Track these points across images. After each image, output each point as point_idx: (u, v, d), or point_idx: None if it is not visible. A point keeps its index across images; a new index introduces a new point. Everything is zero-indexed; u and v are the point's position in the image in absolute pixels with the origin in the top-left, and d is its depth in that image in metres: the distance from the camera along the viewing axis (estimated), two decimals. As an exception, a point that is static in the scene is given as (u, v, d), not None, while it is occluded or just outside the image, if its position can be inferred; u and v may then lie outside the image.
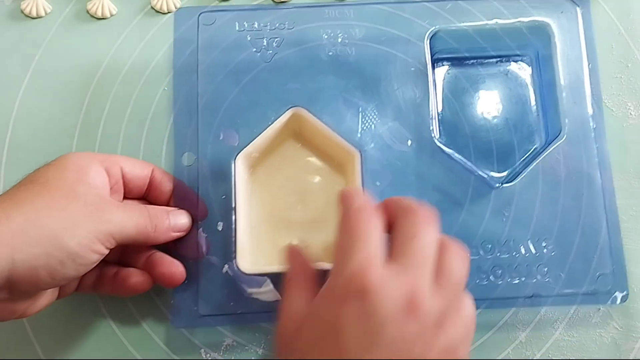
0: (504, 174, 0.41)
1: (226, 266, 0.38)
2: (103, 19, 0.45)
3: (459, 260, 0.31)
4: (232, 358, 0.39)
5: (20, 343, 0.39)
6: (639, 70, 0.43)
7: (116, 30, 0.44)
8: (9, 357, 0.39)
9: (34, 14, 0.45)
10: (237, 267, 0.38)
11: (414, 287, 0.29)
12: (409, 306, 0.28)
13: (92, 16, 0.45)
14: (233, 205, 0.38)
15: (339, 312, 0.28)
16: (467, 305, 0.30)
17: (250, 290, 0.38)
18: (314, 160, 0.41)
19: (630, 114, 0.42)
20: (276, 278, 0.37)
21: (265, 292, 0.38)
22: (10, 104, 0.43)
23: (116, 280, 0.37)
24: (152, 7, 0.45)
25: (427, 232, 0.30)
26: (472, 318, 0.30)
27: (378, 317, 0.28)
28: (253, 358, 0.39)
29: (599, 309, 0.39)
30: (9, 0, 0.45)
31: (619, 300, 0.38)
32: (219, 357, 0.39)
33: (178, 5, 0.45)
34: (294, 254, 0.35)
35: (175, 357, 0.39)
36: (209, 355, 0.39)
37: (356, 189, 0.34)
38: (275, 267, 0.37)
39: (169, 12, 0.45)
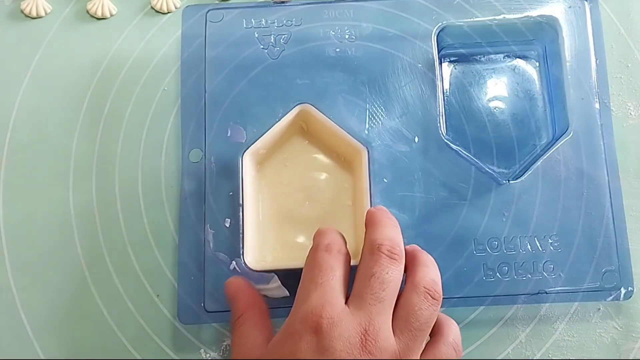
0: (511, 170, 0.41)
1: (233, 263, 0.38)
2: (103, 19, 0.45)
3: (424, 302, 0.31)
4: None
5: (20, 343, 0.39)
6: (639, 70, 0.43)
7: (116, 30, 0.44)
8: (9, 357, 0.39)
9: (34, 14, 0.45)
10: (245, 264, 0.38)
11: (369, 325, 0.30)
12: (362, 342, 0.29)
13: (92, 16, 0.45)
14: (240, 202, 0.38)
15: (295, 348, 0.29)
16: (440, 347, 0.31)
17: (257, 286, 0.38)
18: (321, 156, 0.41)
19: (630, 114, 0.42)
20: (283, 275, 0.38)
21: (273, 288, 0.38)
22: (10, 104, 0.43)
23: None
24: (152, 7, 0.45)
25: (385, 270, 0.31)
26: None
27: (332, 352, 0.29)
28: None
29: (599, 308, 0.39)
30: (9, 0, 0.45)
31: (622, 297, 0.38)
32: (219, 357, 0.39)
33: (178, 5, 0.45)
34: (241, 288, 0.36)
35: (175, 357, 0.39)
36: (208, 355, 0.39)
37: (330, 229, 0.34)
38: (282, 264, 0.38)
39: (169, 12, 0.45)
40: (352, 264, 0.33)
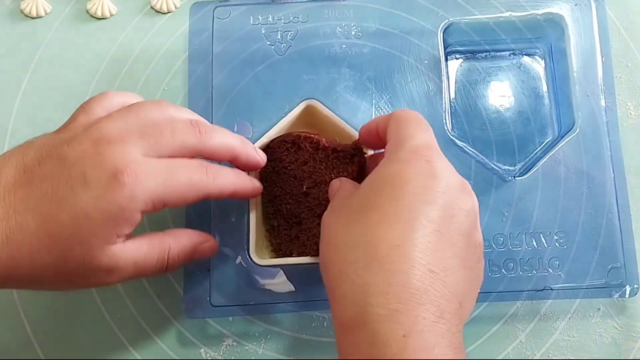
0: (517, 166, 0.41)
1: (239, 257, 0.38)
2: (103, 18, 0.45)
3: None
4: (232, 358, 0.39)
5: (20, 343, 0.39)
6: (639, 70, 0.43)
7: (116, 30, 0.44)
8: (9, 357, 0.39)
9: (33, 14, 0.45)
10: (251, 259, 0.38)
11: (461, 178, 0.31)
12: (462, 189, 0.30)
13: (92, 16, 0.45)
14: (247, 202, 0.38)
15: (405, 169, 0.30)
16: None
17: (263, 281, 0.38)
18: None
19: (630, 113, 0.42)
20: (289, 269, 0.38)
21: (279, 283, 0.38)
22: (10, 104, 0.43)
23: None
24: (151, 7, 0.45)
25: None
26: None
27: (441, 180, 0.30)
28: (253, 358, 0.39)
29: (599, 308, 0.39)
30: (9, 0, 0.45)
31: (627, 294, 0.39)
32: (219, 357, 0.39)
33: (178, 5, 0.45)
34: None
35: (175, 357, 0.39)
36: (208, 355, 0.39)
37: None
38: (288, 259, 0.38)
39: (168, 12, 0.45)
40: None
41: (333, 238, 0.30)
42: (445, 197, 0.29)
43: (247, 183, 0.36)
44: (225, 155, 0.34)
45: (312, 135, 0.39)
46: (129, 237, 0.31)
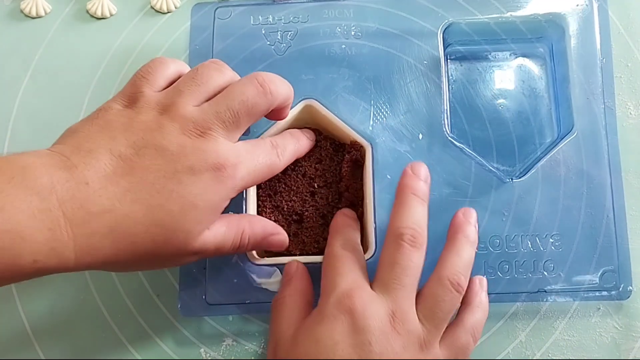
0: (515, 168, 0.41)
1: (235, 256, 0.38)
2: (103, 18, 0.45)
3: (447, 294, 0.33)
4: (232, 358, 0.39)
5: (20, 343, 0.39)
6: (639, 70, 0.43)
7: (116, 30, 0.44)
8: (9, 357, 0.39)
9: (33, 13, 0.45)
10: (247, 257, 0.38)
11: (396, 307, 0.32)
12: (393, 324, 0.32)
13: (91, 16, 0.45)
14: (244, 196, 0.39)
15: (331, 328, 0.31)
16: (457, 335, 0.34)
17: (259, 280, 0.38)
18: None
19: (630, 113, 0.42)
20: (285, 268, 0.38)
21: (275, 282, 0.38)
22: (10, 104, 0.43)
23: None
24: (151, 7, 0.45)
25: (407, 258, 0.33)
26: (463, 347, 0.34)
27: (366, 333, 0.31)
28: (253, 358, 0.39)
29: (599, 308, 0.39)
30: (9, 0, 0.45)
31: (622, 296, 0.39)
32: (219, 357, 0.39)
33: (178, 5, 0.45)
34: (299, 272, 0.37)
35: (175, 357, 0.39)
36: (208, 355, 0.39)
37: (344, 224, 0.37)
38: (285, 258, 0.38)
39: (168, 12, 0.45)
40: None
41: None
42: (376, 348, 0.31)
43: (305, 143, 0.39)
44: (283, 105, 0.36)
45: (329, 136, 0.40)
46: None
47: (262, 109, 0.34)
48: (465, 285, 0.34)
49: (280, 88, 0.35)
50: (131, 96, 0.33)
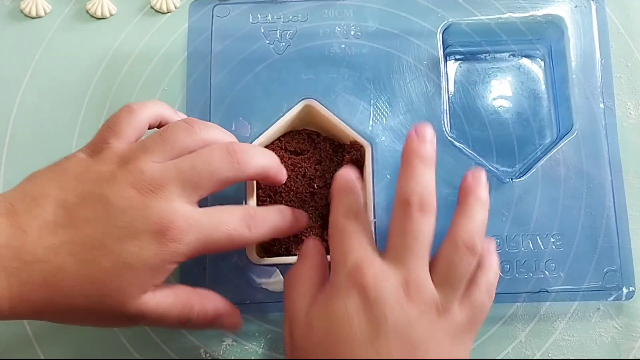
0: (515, 168, 0.41)
1: (236, 256, 0.38)
2: (103, 18, 0.45)
3: (462, 258, 0.32)
4: (232, 358, 0.39)
5: (20, 343, 0.39)
6: (638, 70, 0.43)
7: (116, 30, 0.44)
8: (9, 357, 0.39)
9: (33, 13, 0.45)
10: (247, 257, 0.38)
11: (409, 277, 0.31)
12: (407, 293, 0.31)
13: (91, 16, 0.45)
14: (244, 197, 0.39)
15: (344, 306, 0.31)
16: (474, 295, 0.33)
17: (259, 280, 0.38)
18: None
19: (630, 113, 0.42)
20: (285, 269, 0.38)
21: (275, 282, 0.38)
22: (10, 104, 0.43)
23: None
24: (151, 7, 0.45)
25: (417, 225, 0.32)
26: (480, 307, 0.33)
27: (380, 306, 0.30)
28: (253, 358, 0.39)
29: (599, 308, 0.39)
30: (9, 0, 0.45)
31: (624, 297, 0.39)
32: (219, 357, 0.39)
33: (177, 5, 0.45)
34: (316, 248, 0.35)
35: (175, 357, 0.39)
36: (208, 355, 0.39)
37: (344, 189, 0.35)
38: (285, 258, 0.38)
39: (168, 12, 0.45)
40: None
41: None
42: (391, 318, 0.30)
43: (290, 222, 0.36)
44: (258, 178, 0.36)
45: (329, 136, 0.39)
46: (159, 285, 0.32)
47: (227, 175, 0.33)
48: (480, 247, 0.32)
49: (254, 159, 0.34)
50: (97, 146, 0.33)
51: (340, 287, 0.31)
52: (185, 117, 0.38)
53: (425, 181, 0.33)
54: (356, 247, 0.32)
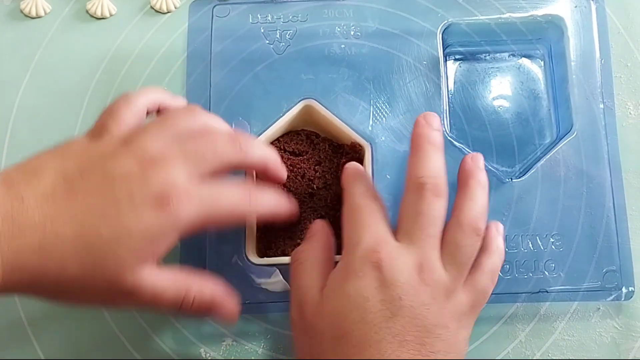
0: (515, 168, 0.41)
1: (235, 256, 0.38)
2: (102, 18, 0.45)
3: (468, 239, 0.33)
4: (232, 358, 0.39)
5: (20, 343, 0.39)
6: (638, 70, 0.43)
7: (116, 30, 0.44)
8: (9, 357, 0.39)
9: (33, 13, 0.45)
10: (247, 258, 0.38)
11: (423, 259, 0.32)
12: (421, 275, 0.31)
13: (91, 16, 0.45)
14: None
15: (359, 285, 0.31)
16: (478, 278, 0.33)
17: (259, 280, 0.38)
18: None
19: (630, 113, 0.42)
20: (285, 269, 0.38)
21: (274, 282, 0.38)
22: (10, 104, 0.43)
23: None
24: (151, 7, 0.45)
25: (431, 207, 0.32)
26: (483, 290, 0.33)
27: (395, 287, 0.31)
28: (253, 358, 0.39)
29: (599, 308, 0.39)
30: (9, 0, 0.45)
31: (623, 297, 0.39)
32: (219, 357, 0.39)
33: (177, 5, 0.45)
34: (324, 229, 0.35)
35: (175, 357, 0.39)
36: (208, 355, 0.39)
37: (357, 171, 0.36)
38: (285, 258, 0.38)
39: (168, 12, 0.45)
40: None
41: None
42: (405, 300, 0.30)
43: (285, 206, 0.36)
44: (259, 168, 0.36)
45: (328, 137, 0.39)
46: (158, 263, 0.31)
47: (230, 158, 0.33)
48: (483, 228, 0.33)
49: (256, 149, 0.34)
50: (96, 132, 0.33)
51: (356, 267, 0.31)
52: (184, 100, 0.39)
53: (437, 165, 0.34)
54: (372, 227, 0.32)
